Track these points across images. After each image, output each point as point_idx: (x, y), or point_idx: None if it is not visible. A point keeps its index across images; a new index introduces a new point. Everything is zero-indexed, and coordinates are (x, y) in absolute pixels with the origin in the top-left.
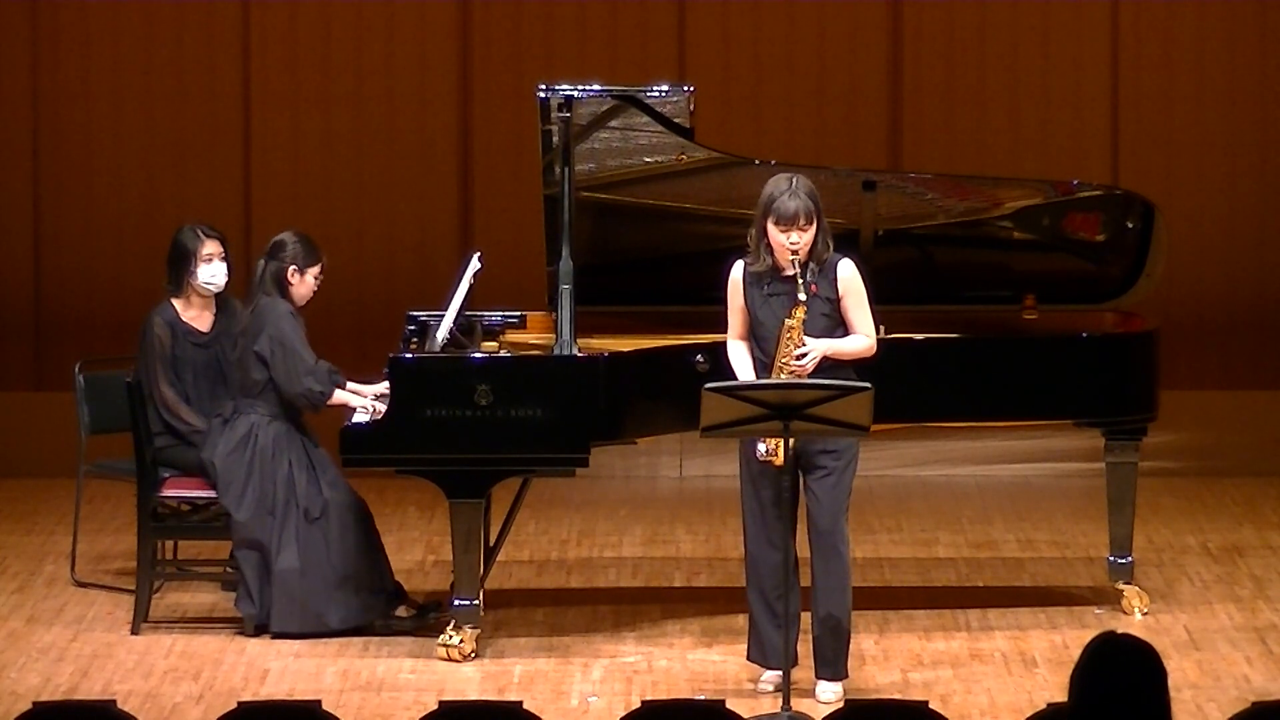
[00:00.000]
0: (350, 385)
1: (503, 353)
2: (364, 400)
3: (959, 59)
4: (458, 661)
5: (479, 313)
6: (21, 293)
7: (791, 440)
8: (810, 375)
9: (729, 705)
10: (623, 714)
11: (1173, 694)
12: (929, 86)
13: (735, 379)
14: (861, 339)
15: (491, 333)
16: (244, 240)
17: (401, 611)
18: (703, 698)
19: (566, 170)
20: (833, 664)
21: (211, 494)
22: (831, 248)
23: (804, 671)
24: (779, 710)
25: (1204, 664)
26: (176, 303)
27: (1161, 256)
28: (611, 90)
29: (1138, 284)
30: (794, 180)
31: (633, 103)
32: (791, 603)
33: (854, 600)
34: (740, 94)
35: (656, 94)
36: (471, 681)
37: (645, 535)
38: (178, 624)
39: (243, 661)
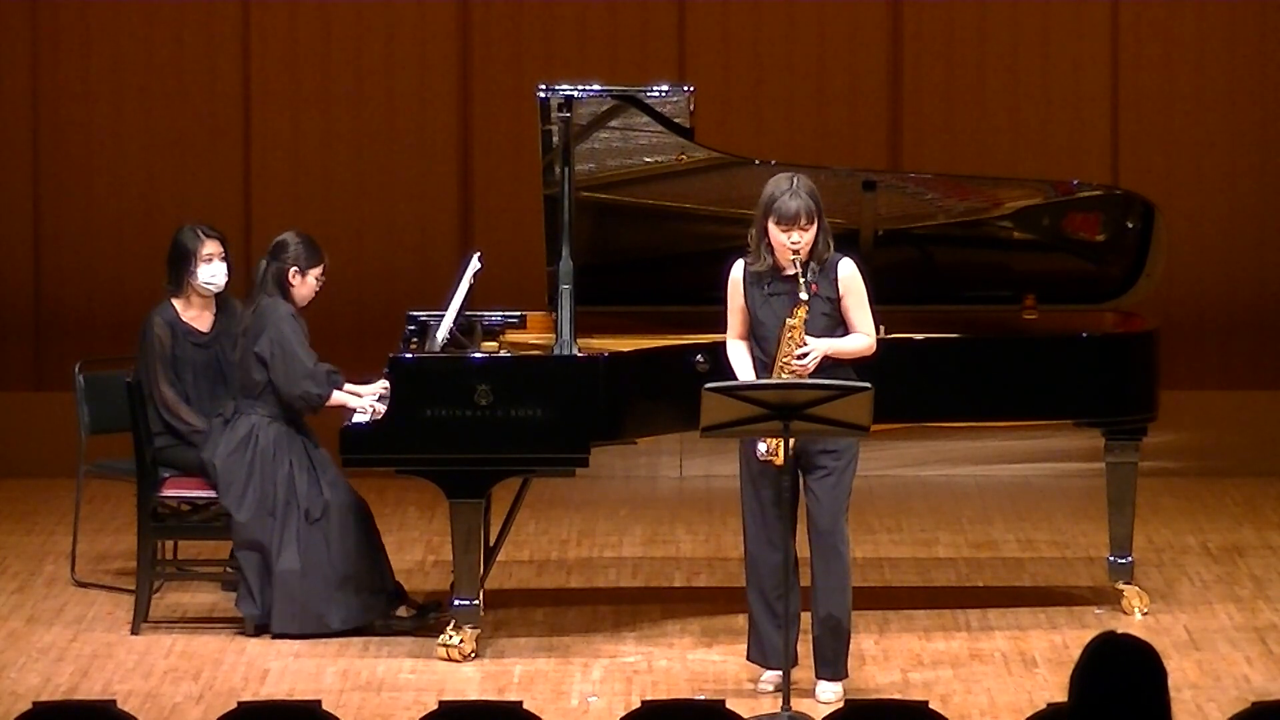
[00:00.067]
0: (347, 386)
1: (503, 353)
2: (362, 401)
3: (959, 59)
4: (458, 661)
5: (479, 313)
6: (21, 293)
7: (792, 440)
8: (810, 375)
9: (729, 705)
10: (623, 714)
11: (1173, 694)
12: (929, 86)
13: (735, 379)
14: (862, 338)
15: (491, 333)
16: (244, 240)
17: (402, 612)
18: (703, 698)
19: (566, 170)
20: (833, 664)
21: (211, 494)
22: (832, 247)
23: (804, 671)
24: (779, 710)
25: (1204, 664)
26: (176, 303)
27: (1161, 256)
28: (611, 90)
29: (1138, 284)
30: (795, 180)
31: (633, 103)
32: (791, 603)
33: (854, 600)
34: (740, 94)
35: (656, 94)
36: (471, 681)
37: (645, 535)
38: (178, 624)
39: (243, 661)
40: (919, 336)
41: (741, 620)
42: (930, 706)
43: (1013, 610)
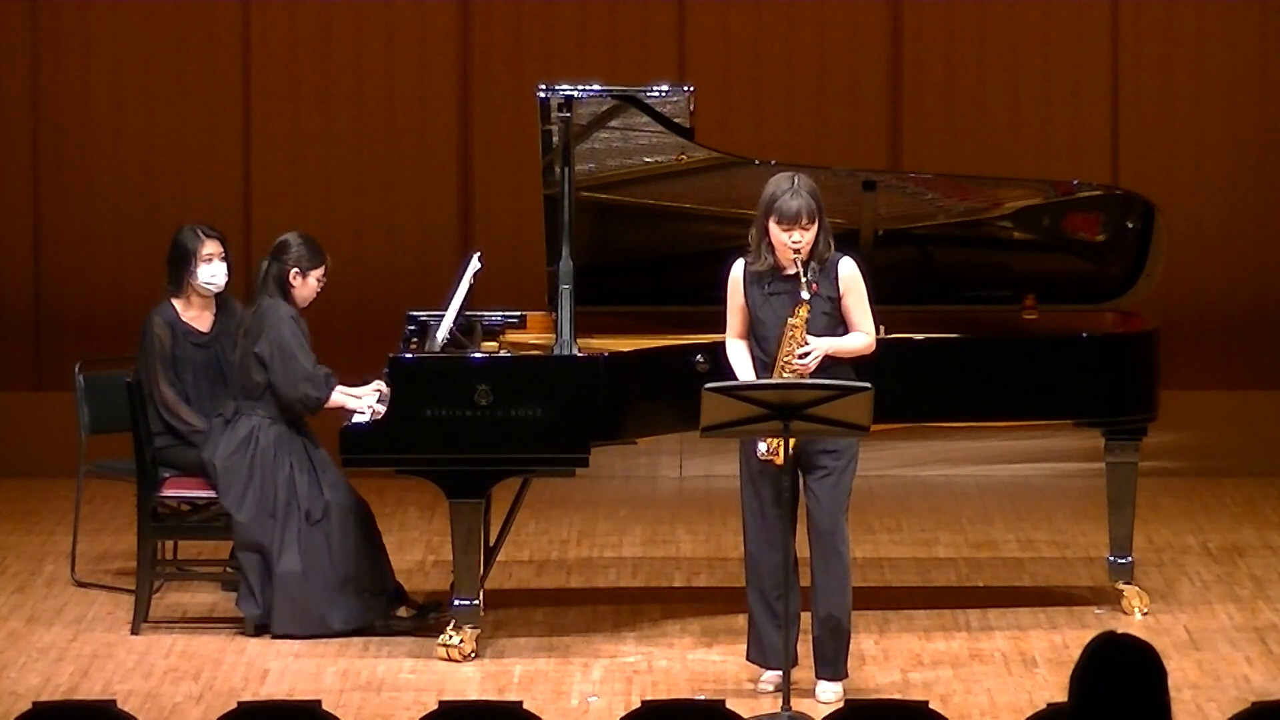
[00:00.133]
0: (340, 389)
1: (503, 353)
2: (361, 402)
3: (959, 59)
4: (458, 661)
5: (479, 313)
6: (21, 293)
7: (792, 440)
8: (811, 374)
9: (729, 705)
10: (623, 714)
11: (1173, 694)
12: (929, 86)
13: (735, 378)
14: (862, 337)
15: (491, 333)
16: (244, 240)
17: (402, 612)
18: (703, 698)
19: (566, 170)
20: (833, 664)
21: (211, 494)
22: (833, 247)
23: (804, 671)
24: (779, 710)
25: (1204, 664)
26: (176, 303)
27: (1161, 256)
28: (611, 90)
29: (1138, 284)
30: (796, 179)
31: (633, 103)
32: (791, 603)
33: (854, 600)
34: (740, 94)
35: (656, 94)
36: (471, 681)
37: (645, 535)
38: (178, 624)
39: (243, 661)
40: (919, 336)
41: (741, 620)
42: (930, 706)
43: (1013, 610)
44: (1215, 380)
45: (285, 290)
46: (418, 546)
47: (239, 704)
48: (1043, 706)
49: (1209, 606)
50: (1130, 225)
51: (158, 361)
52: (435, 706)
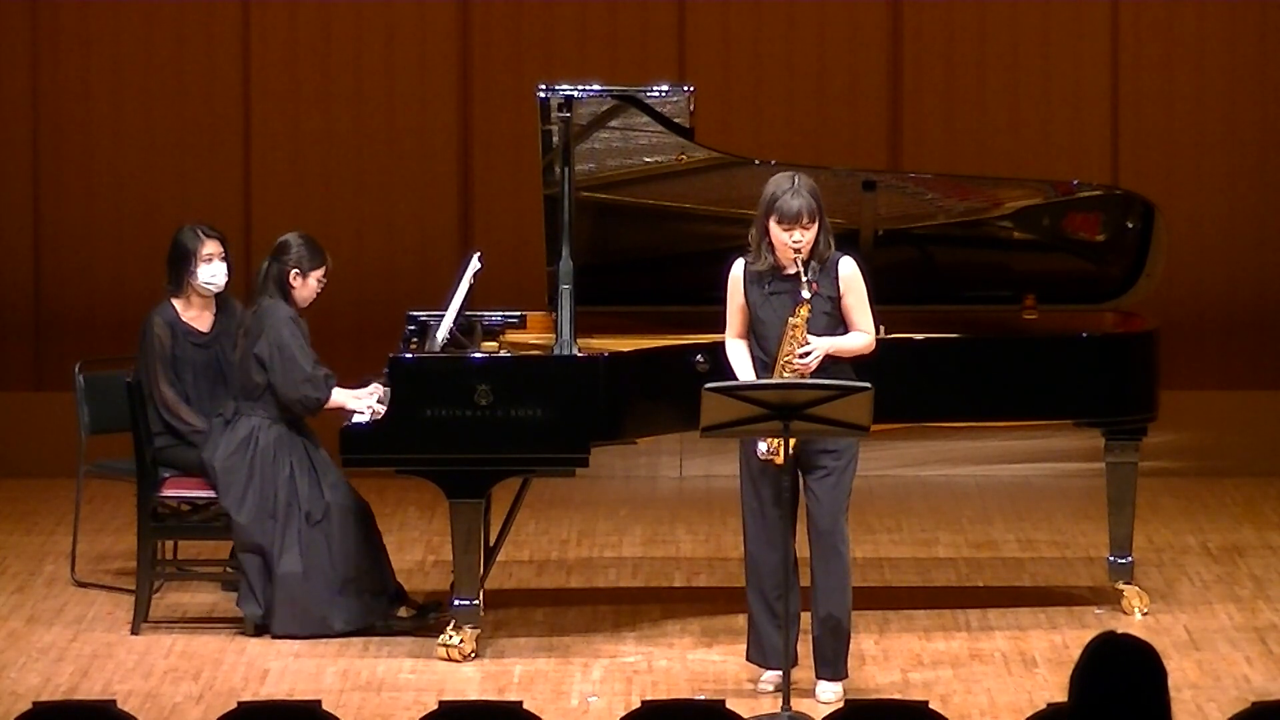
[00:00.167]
0: (338, 392)
1: (503, 353)
2: (361, 402)
3: (959, 59)
4: (458, 661)
5: (479, 313)
6: (21, 293)
7: (792, 440)
8: (811, 373)
9: (729, 705)
10: (623, 714)
11: (1173, 694)
12: (929, 86)
13: (734, 378)
14: (862, 336)
15: (491, 333)
16: (244, 240)
17: (402, 612)
18: (703, 698)
19: (566, 170)
20: (833, 664)
21: (211, 494)
22: (833, 246)
23: (804, 671)
24: (779, 710)
25: (1204, 664)
26: (176, 303)
27: (1161, 256)
28: (611, 90)
29: (1138, 284)
30: (796, 179)
31: (633, 103)
32: (791, 603)
33: (854, 600)
34: (740, 94)
35: (656, 94)
36: (471, 681)
37: (645, 535)
38: (178, 624)
39: (243, 661)
40: (919, 336)
41: (741, 620)
42: (930, 706)
43: (1013, 610)
44: (1215, 380)
45: (285, 291)
46: (418, 546)
47: (239, 704)
48: (1043, 706)
49: (1209, 606)
50: (1130, 225)
51: (158, 361)
52: (435, 706)
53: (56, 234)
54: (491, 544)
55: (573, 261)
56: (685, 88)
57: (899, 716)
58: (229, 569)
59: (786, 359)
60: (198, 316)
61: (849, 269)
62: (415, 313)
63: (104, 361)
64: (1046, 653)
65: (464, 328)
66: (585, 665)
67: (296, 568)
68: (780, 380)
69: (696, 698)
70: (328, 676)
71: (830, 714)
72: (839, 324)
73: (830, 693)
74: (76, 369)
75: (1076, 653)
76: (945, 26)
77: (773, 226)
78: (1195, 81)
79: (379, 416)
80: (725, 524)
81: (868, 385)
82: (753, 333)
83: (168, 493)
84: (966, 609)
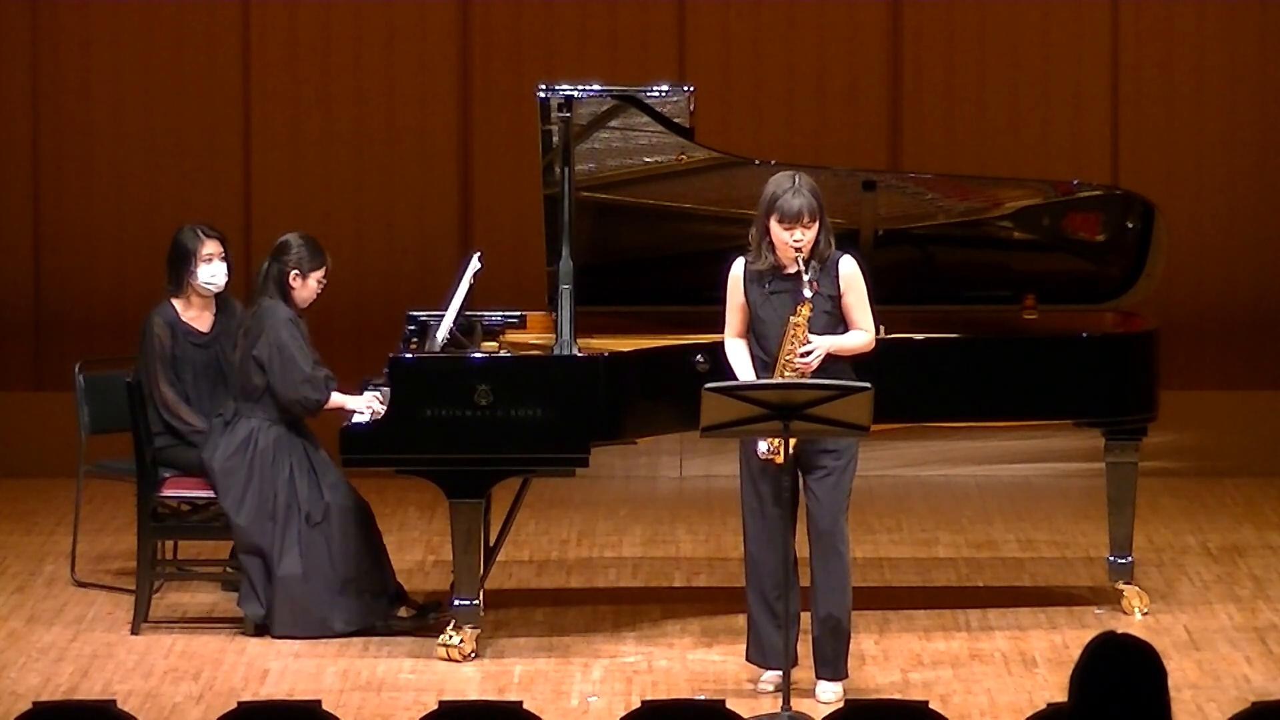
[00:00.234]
0: (336, 396)
1: (503, 353)
2: (360, 402)
3: (959, 59)
4: (458, 661)
5: (479, 313)
6: (21, 293)
7: (792, 439)
8: (812, 372)
9: (729, 705)
10: (623, 714)
11: (1173, 694)
12: (929, 86)
13: (734, 377)
14: (862, 335)
15: (491, 333)
16: (244, 240)
17: (402, 612)
18: (703, 698)
19: (566, 170)
20: (833, 664)
21: (211, 494)
22: (833, 245)
23: (804, 671)
24: (779, 710)
25: (1204, 664)
26: (176, 303)
27: (1161, 256)
28: (611, 90)
29: (1138, 284)
30: (797, 178)
31: (633, 103)
32: (791, 603)
33: (854, 600)
34: (740, 94)
35: (656, 94)
36: (471, 681)
37: (645, 535)
38: (178, 624)
39: (243, 661)
40: (919, 336)
41: (741, 620)
42: (930, 706)
43: (1013, 610)
44: (1215, 380)
45: (285, 291)
46: (418, 546)
47: (239, 704)
48: (1043, 706)
49: (1209, 606)
50: (1130, 225)
51: (158, 361)
52: (435, 706)
53: (56, 234)
54: (491, 544)
55: (573, 261)
56: (685, 88)
57: (899, 716)
58: (229, 569)
59: (788, 358)
60: (198, 316)
61: (849, 267)
62: (415, 313)
63: (104, 361)
64: (1046, 653)
65: (464, 328)
66: (585, 665)
67: (296, 569)
68: (780, 380)
69: (696, 698)
70: (328, 676)
71: (830, 714)
72: (839, 323)
73: (830, 693)
74: (76, 369)
75: (1076, 653)
76: (945, 26)
77: (773, 226)
78: (1195, 81)
79: (379, 416)
80: (725, 524)
81: (868, 385)
82: (752, 332)
83: (168, 493)
84: (966, 609)
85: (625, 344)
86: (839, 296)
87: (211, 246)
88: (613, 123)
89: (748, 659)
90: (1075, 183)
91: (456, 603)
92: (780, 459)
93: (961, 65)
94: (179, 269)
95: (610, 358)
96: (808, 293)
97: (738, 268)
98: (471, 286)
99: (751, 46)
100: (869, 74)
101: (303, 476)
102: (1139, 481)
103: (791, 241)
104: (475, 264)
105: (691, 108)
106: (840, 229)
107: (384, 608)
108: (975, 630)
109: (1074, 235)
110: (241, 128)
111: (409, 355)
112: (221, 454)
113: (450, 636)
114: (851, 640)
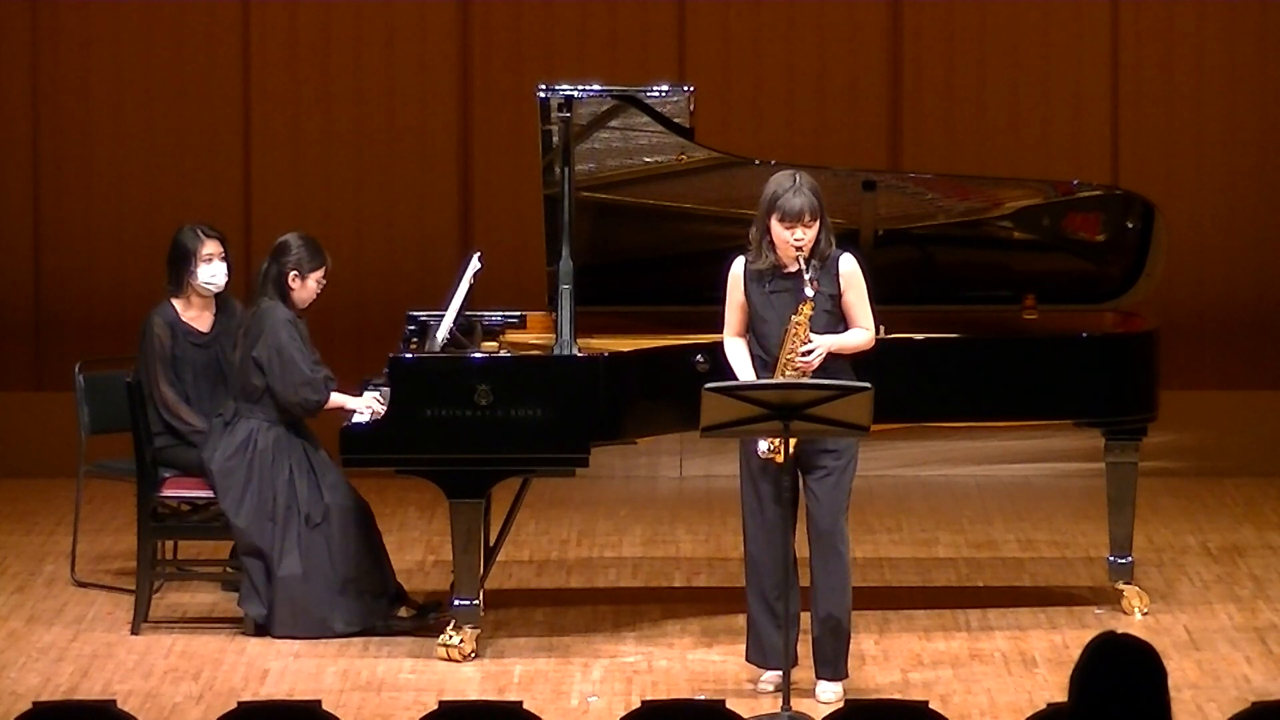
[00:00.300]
0: (336, 396)
1: (503, 353)
2: (360, 402)
3: (959, 59)
4: (458, 661)
5: (479, 313)
6: (21, 293)
7: (793, 439)
8: (812, 371)
9: (729, 705)
10: (623, 714)
11: (1173, 694)
12: (929, 86)
13: (733, 377)
14: (862, 333)
15: (491, 333)
16: (244, 240)
17: (402, 612)
18: (703, 698)
19: (566, 170)
20: (833, 664)
21: (211, 494)
22: (834, 244)
23: (804, 671)
24: (779, 710)
25: (1204, 664)
26: (176, 303)
27: (1161, 256)
28: (611, 90)
29: (1138, 284)
30: (797, 177)
31: (633, 103)
32: (791, 603)
33: (854, 600)
34: (740, 94)
35: (656, 94)
36: (471, 681)
37: (645, 535)
38: (178, 624)
39: (243, 661)
40: (919, 336)
41: (741, 620)
42: (930, 706)
43: (1013, 610)
44: (1215, 380)
45: (284, 292)
46: (418, 546)
47: (239, 704)
48: (1043, 706)
49: (1209, 606)
50: (1130, 225)
51: (158, 361)
52: (435, 706)
53: (56, 234)
54: (491, 544)
55: (573, 261)
56: (685, 88)
57: (899, 716)
58: (229, 569)
59: (789, 357)
60: (198, 316)
61: (849, 265)
62: (415, 313)
63: (104, 361)
64: (1046, 653)
65: (464, 328)
66: (585, 665)
67: (296, 570)
68: (780, 380)
69: (696, 698)
70: (328, 676)
71: (830, 714)
72: (839, 321)
73: (830, 693)
74: (76, 369)
75: (1076, 653)
76: (945, 26)
77: (774, 225)
78: (1195, 81)
79: (379, 416)
80: (725, 524)
81: (868, 385)
82: (752, 331)
83: (168, 493)
84: (966, 609)
85: (625, 344)
86: (839, 295)
87: (211, 246)
88: (613, 123)
89: (747, 659)
90: (1075, 183)
91: (456, 603)
92: (780, 458)
93: (961, 65)
94: (179, 269)
95: (610, 358)
96: (809, 291)
97: (738, 267)
98: (471, 286)
99: (751, 46)
100: (869, 74)
101: (302, 477)
102: (1139, 481)
103: (792, 240)
104: (475, 264)
105: (691, 108)
106: (840, 229)
107: (384, 608)
108: (975, 630)
109: (1074, 235)
110: (241, 128)
111: (409, 355)
112: (221, 455)
113: (450, 636)
114: (851, 640)
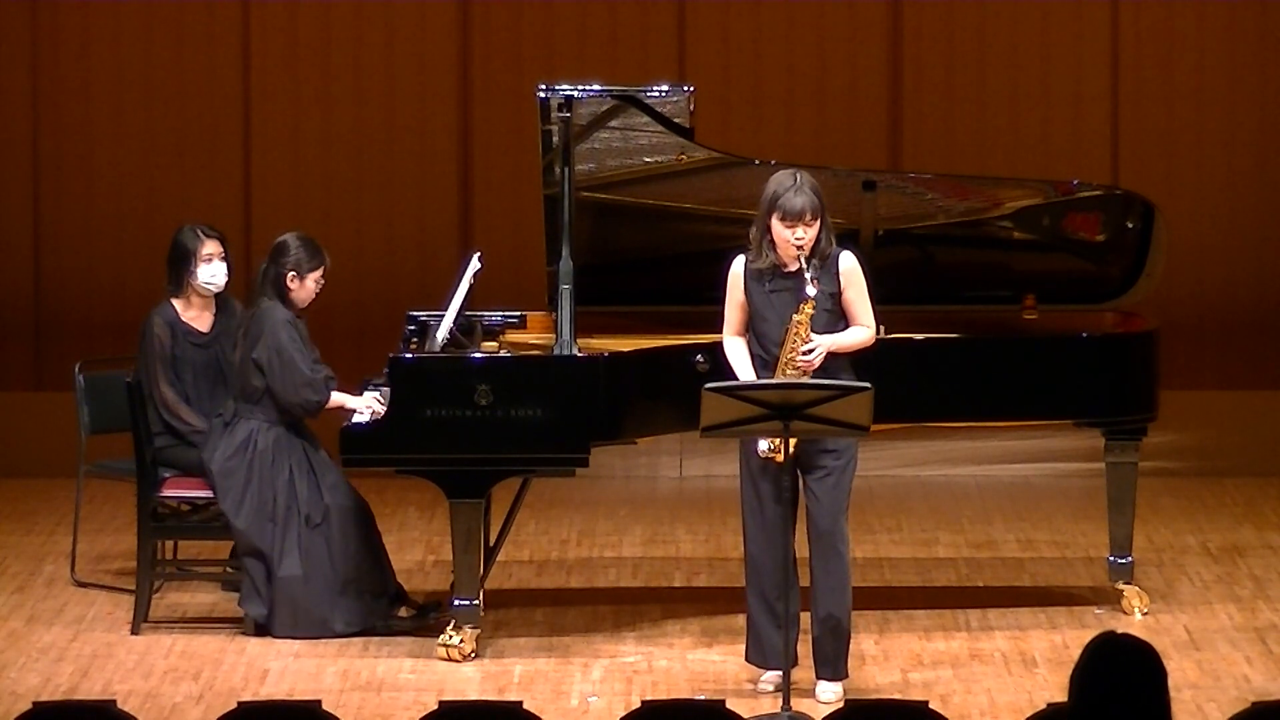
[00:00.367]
0: (336, 395)
1: (503, 353)
2: (360, 401)
3: (959, 59)
4: (458, 661)
5: (479, 313)
6: (21, 293)
7: (793, 439)
8: (813, 370)
9: (729, 705)
10: (623, 714)
11: (1173, 694)
12: (929, 86)
13: (733, 376)
14: (862, 330)
15: (491, 333)
16: (244, 240)
17: (402, 612)
18: (703, 698)
19: (566, 170)
20: (833, 664)
21: (211, 494)
22: (834, 243)
23: (804, 671)
24: (779, 710)
25: (1204, 664)
26: (176, 303)
27: (1161, 256)
28: (611, 90)
29: (1138, 284)
30: (798, 176)
31: (633, 103)
32: (791, 603)
33: (854, 600)
34: (740, 94)
35: (656, 94)
36: (471, 681)
37: (645, 535)
38: (178, 624)
39: (243, 661)
40: (919, 336)
41: (741, 620)
42: (930, 706)
43: (1013, 610)
44: (1215, 380)
45: (283, 293)
46: (418, 546)
47: (239, 704)
48: (1043, 706)
49: (1209, 606)
50: (1130, 225)
51: (158, 361)
52: (435, 706)
53: (56, 234)
54: (491, 544)
55: (573, 261)
56: (685, 88)
57: (899, 716)
58: (229, 569)
59: (789, 356)
60: (198, 316)
61: (849, 262)
62: (415, 313)
63: (104, 361)
64: (1046, 653)
65: (464, 328)
66: (585, 665)
67: (296, 571)
68: (780, 380)
69: (696, 698)
70: (328, 676)
71: (830, 714)
72: (839, 320)
73: (830, 693)
74: (76, 369)
75: (1076, 653)
76: (945, 26)
77: (775, 224)
78: (1195, 81)
79: (379, 416)
80: (725, 524)
81: (868, 385)
82: (752, 330)
83: (168, 493)
84: (966, 609)
85: (625, 344)
86: (839, 293)
87: (211, 246)
88: (613, 123)
89: (747, 659)
90: (1075, 183)
91: (456, 603)
92: (780, 457)
93: (961, 65)
94: (179, 269)
95: (610, 358)
96: (811, 290)
97: (738, 265)
98: (471, 286)
99: (751, 46)
100: (869, 74)
101: (302, 478)
102: (1139, 481)
103: (793, 239)
104: (475, 264)
105: (691, 108)
106: (840, 229)
107: (384, 608)
108: (975, 630)
109: (1074, 235)
110: (241, 128)
111: (409, 355)
112: (221, 456)
113: (450, 636)
114: (851, 640)
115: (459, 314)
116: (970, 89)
